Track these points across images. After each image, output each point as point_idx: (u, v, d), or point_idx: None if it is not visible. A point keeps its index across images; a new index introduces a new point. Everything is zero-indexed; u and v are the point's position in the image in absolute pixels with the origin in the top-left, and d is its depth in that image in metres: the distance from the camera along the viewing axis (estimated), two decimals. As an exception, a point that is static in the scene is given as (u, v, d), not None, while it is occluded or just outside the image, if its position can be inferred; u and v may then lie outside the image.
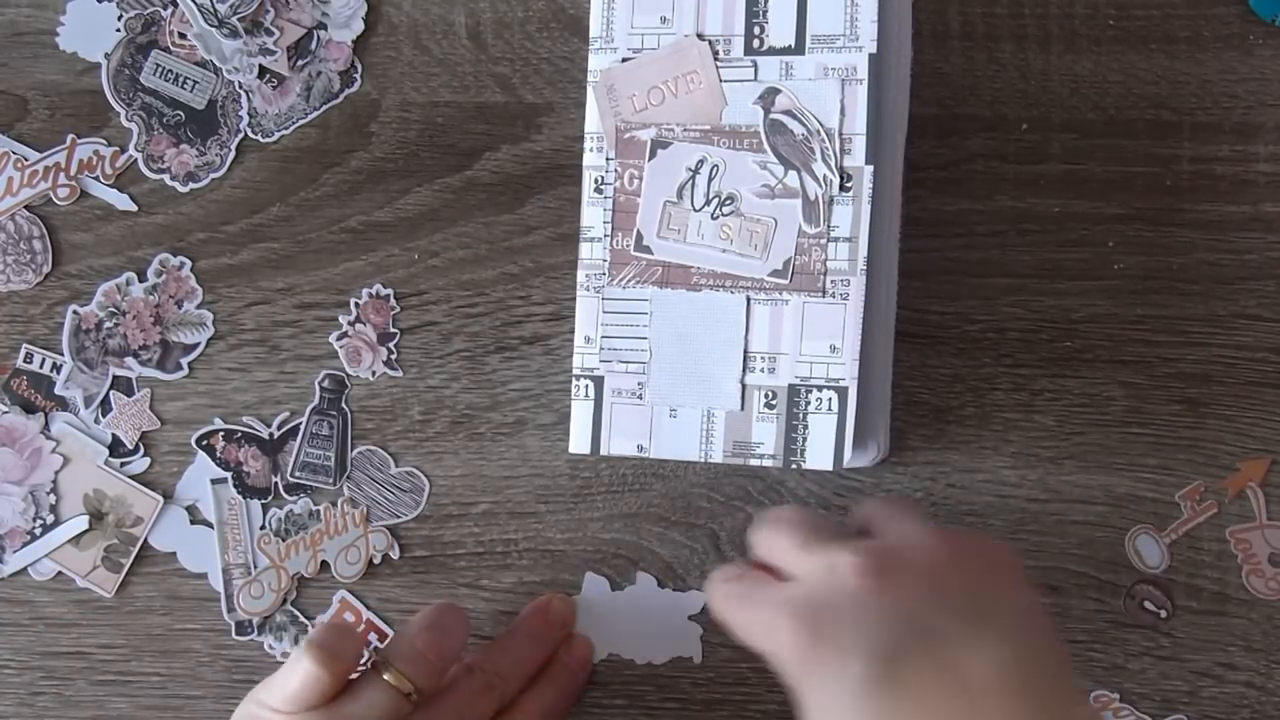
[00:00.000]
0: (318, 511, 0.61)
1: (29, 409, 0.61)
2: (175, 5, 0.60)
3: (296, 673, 0.53)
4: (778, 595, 0.47)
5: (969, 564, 0.47)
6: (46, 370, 0.61)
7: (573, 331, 0.60)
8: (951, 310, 0.60)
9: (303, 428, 0.61)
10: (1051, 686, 0.45)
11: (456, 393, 0.61)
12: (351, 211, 0.61)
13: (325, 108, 0.61)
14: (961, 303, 0.60)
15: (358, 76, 0.61)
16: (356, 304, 0.61)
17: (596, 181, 0.59)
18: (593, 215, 0.59)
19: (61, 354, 0.61)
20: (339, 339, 0.61)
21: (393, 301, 0.61)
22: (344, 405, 0.61)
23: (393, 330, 0.61)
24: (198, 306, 0.61)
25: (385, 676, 0.53)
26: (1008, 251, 0.60)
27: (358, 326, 0.61)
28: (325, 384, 0.61)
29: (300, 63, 0.60)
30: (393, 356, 0.61)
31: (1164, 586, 0.60)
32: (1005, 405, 0.60)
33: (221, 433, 0.61)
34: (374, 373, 0.61)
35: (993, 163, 0.60)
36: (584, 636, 0.61)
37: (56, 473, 0.61)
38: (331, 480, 0.61)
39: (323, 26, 0.60)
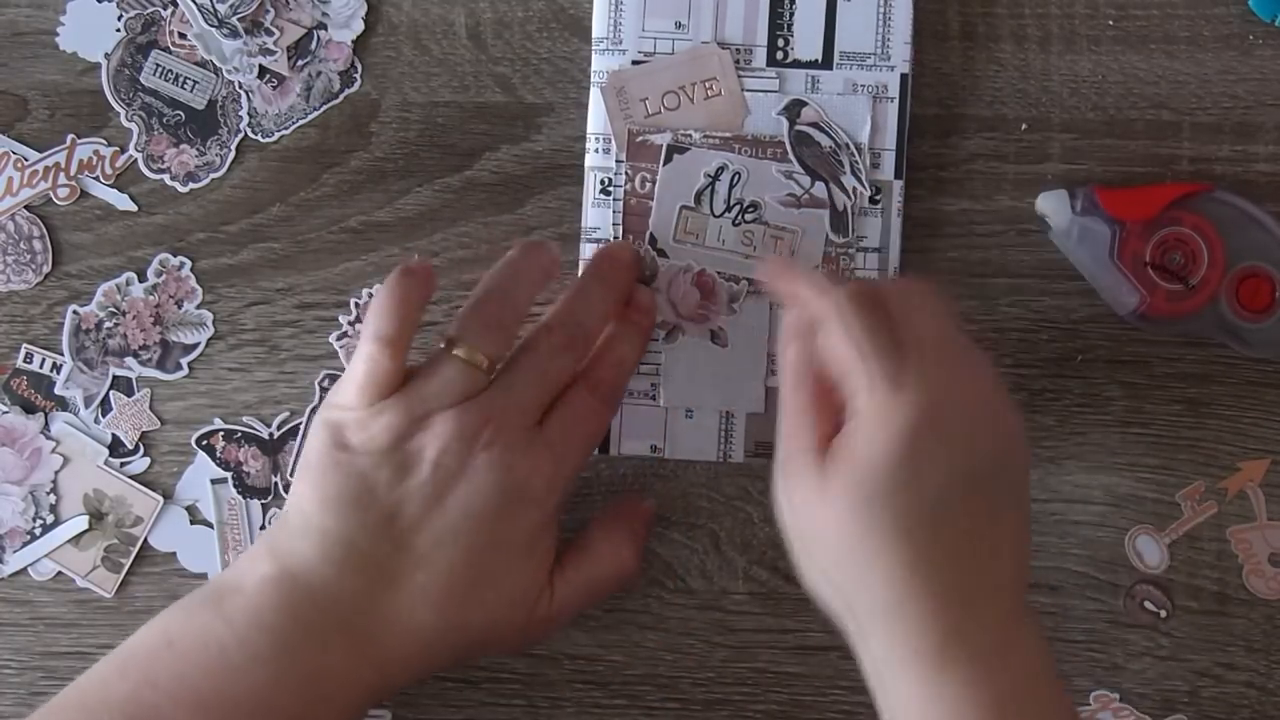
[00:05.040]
0: (318, 511, 0.61)
1: (29, 409, 0.61)
2: (175, 5, 0.60)
3: (359, 363, 0.53)
4: None
5: None
6: (46, 370, 0.61)
7: (573, 331, 0.60)
8: (952, 310, 0.60)
9: (303, 428, 0.61)
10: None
11: (456, 393, 0.61)
12: (351, 211, 0.61)
13: (325, 108, 0.61)
14: (961, 303, 0.60)
15: (358, 76, 0.61)
16: (356, 304, 0.61)
17: (603, 183, 0.59)
18: (599, 216, 0.59)
19: (61, 354, 0.61)
20: (339, 339, 0.61)
21: (393, 301, 0.61)
22: (344, 405, 0.61)
23: (393, 330, 0.61)
24: (198, 306, 0.61)
25: (456, 352, 0.53)
26: (1008, 251, 0.60)
27: (358, 326, 0.61)
28: (325, 384, 0.61)
29: (300, 63, 0.60)
30: (393, 356, 0.61)
31: (1164, 586, 0.60)
32: (1005, 405, 0.60)
33: (221, 433, 0.61)
34: (374, 373, 0.61)
35: (993, 163, 0.60)
36: (644, 287, 0.58)
37: (56, 473, 0.61)
38: (331, 480, 0.61)
39: (323, 26, 0.60)
